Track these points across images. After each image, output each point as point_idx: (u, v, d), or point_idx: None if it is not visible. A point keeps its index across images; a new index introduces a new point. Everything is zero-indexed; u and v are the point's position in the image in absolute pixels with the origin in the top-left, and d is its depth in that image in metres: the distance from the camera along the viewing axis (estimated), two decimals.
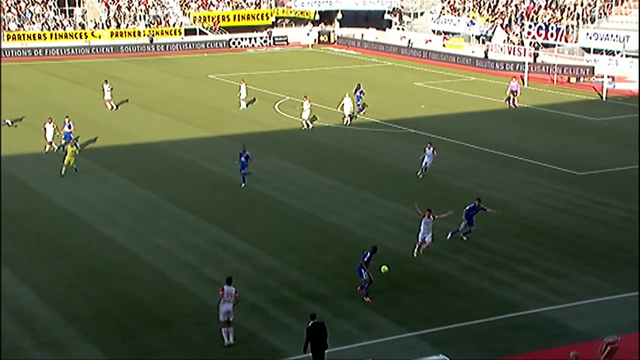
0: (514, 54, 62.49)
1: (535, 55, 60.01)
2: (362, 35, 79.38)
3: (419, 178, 31.81)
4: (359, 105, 43.75)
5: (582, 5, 63.30)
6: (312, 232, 26.13)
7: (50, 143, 35.40)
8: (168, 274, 22.76)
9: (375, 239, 25.26)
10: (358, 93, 43.81)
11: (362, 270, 21.04)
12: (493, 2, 71.51)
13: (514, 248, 24.64)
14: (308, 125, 40.57)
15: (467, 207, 24.89)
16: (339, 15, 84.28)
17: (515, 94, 46.13)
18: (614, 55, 57.06)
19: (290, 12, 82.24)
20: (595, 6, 62.23)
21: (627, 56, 56.13)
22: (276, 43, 77.99)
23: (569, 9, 63.98)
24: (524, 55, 59.03)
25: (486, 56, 63.47)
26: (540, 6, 66.69)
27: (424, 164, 31.74)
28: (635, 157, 34.56)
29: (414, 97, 50.13)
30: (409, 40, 72.60)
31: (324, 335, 17.30)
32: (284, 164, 34.11)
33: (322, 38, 78.48)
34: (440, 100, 48.25)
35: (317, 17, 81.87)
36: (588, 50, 59.48)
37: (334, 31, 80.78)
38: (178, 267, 23.27)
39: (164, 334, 19.49)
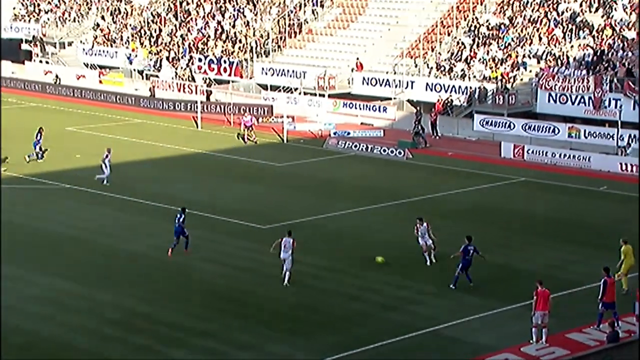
0: (184, 91, 64.09)
1: (209, 93, 62.16)
2: None
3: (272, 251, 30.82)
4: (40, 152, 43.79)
5: (254, 36, 67.08)
6: None
7: None
8: None
9: (24, 326, 24.28)
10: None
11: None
12: (155, 32, 73.01)
13: (196, 319, 25.02)
14: None
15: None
16: None
17: (251, 129, 49.41)
18: (292, 92, 61.00)
19: None
20: (268, 38, 66.32)
21: (305, 94, 60.33)
22: None
23: (240, 40, 67.42)
24: (196, 92, 60.83)
25: (153, 94, 64.32)
26: (210, 36, 69.48)
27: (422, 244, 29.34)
28: (323, 206, 37.14)
29: (67, 144, 49.20)
30: (56, 76, 71.25)
31: None
32: None
33: None
34: (101, 148, 47.83)
35: None
36: (265, 87, 63.00)
37: None
38: None
39: None
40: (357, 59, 60.65)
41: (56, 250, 30.96)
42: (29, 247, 31.22)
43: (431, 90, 55.68)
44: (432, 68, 57.38)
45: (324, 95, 58.87)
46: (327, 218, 35.32)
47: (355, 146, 48.80)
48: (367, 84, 58.80)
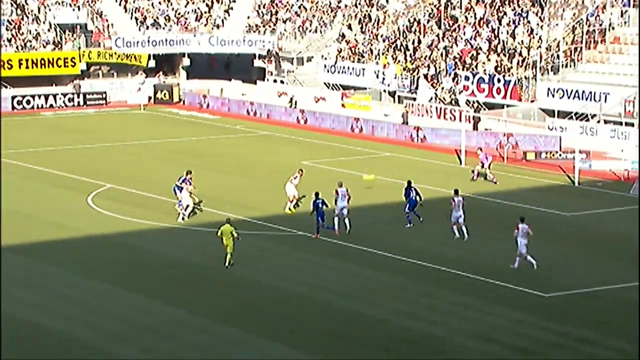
0: (445, 117, 64.26)
1: (477, 120, 61.92)
2: (222, 90, 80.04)
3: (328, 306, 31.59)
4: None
5: (539, 47, 66.18)
6: None
7: None
8: None
9: None
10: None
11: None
12: (413, 43, 73.87)
13: None
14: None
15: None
16: (186, 62, 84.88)
17: (487, 167, 50.11)
18: (588, 120, 59.50)
19: (111, 55, 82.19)
20: (559, 50, 65.19)
21: (605, 122, 58.62)
22: (89, 102, 77.58)
23: (520, 53, 66.76)
24: (460, 119, 60.74)
25: (405, 121, 65.02)
26: (481, 49, 69.32)
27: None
28: (629, 271, 35.60)
29: (302, 182, 50.44)
30: (291, 98, 73.72)
31: None
32: (96, 286, 33.68)
33: (160, 95, 78.66)
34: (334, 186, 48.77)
35: (152, 63, 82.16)
36: (551, 114, 61.90)
37: (178, 84, 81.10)
38: None
39: None
40: None
41: (281, 312, 31.56)
42: (248, 308, 32.03)
43: None
44: None
45: (632, 125, 57.12)
46: (633, 287, 33.86)
47: None
48: None
